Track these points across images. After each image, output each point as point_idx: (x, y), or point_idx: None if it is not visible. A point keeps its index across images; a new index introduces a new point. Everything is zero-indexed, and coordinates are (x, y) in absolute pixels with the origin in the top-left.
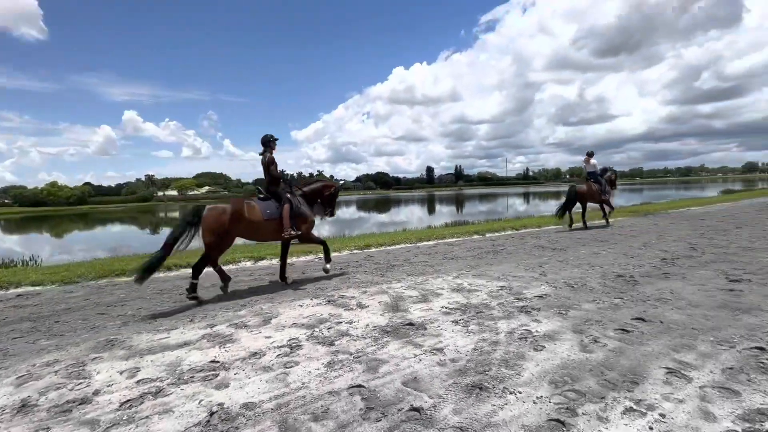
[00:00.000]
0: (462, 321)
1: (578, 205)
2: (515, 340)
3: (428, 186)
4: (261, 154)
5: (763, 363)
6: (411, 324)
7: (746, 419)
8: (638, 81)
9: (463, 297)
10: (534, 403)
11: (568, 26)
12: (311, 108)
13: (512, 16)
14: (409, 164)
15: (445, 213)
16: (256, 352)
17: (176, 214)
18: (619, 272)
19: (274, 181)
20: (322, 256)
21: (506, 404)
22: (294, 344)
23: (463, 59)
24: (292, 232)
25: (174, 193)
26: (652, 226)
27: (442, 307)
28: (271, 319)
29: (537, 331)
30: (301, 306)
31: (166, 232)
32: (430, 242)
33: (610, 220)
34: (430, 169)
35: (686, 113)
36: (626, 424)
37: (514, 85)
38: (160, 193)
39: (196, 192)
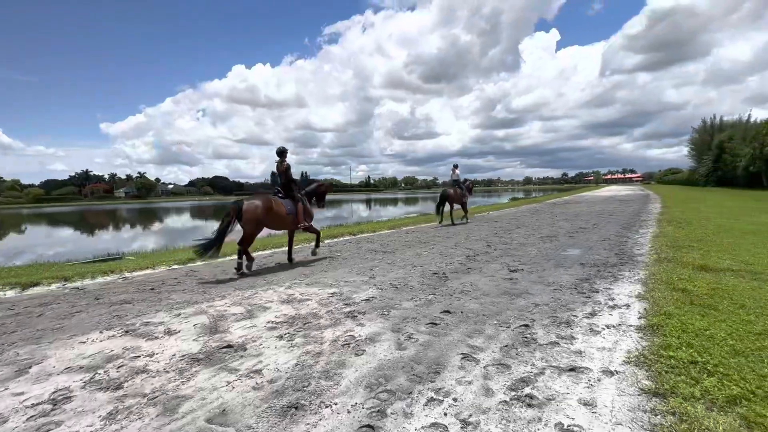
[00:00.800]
0: (287, 335)
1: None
2: (339, 348)
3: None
4: (278, 161)
5: (527, 338)
6: (229, 346)
7: (513, 389)
8: (455, 106)
9: (292, 308)
10: (348, 412)
11: (401, 51)
12: (129, 98)
13: (353, 32)
14: (252, 168)
15: None
16: None
17: None
18: (435, 270)
19: (288, 184)
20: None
21: (321, 420)
22: (61, 397)
23: (308, 66)
24: (305, 224)
25: None
26: (462, 228)
27: (268, 322)
28: (30, 367)
29: (360, 336)
30: (84, 342)
31: None
32: (266, 251)
33: (468, 217)
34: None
35: (487, 136)
36: (426, 415)
37: (356, 97)
38: None
39: None
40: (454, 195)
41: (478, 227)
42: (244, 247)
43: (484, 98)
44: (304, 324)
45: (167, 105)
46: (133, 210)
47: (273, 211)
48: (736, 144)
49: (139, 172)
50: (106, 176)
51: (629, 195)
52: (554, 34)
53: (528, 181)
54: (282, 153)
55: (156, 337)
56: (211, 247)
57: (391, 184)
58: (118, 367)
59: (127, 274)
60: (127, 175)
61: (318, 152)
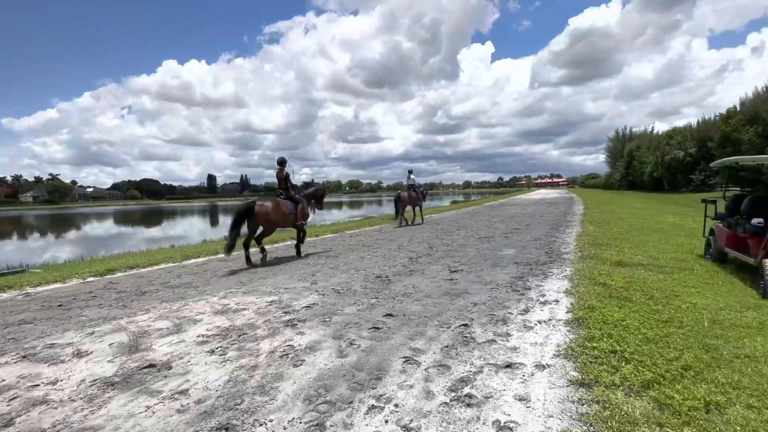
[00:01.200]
0: (219, 349)
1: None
2: (276, 360)
3: (210, 195)
4: (278, 170)
5: (466, 337)
6: (152, 365)
7: (453, 390)
8: (398, 111)
9: (226, 320)
10: (284, 429)
11: (344, 54)
12: (39, 91)
13: (295, 33)
14: (186, 171)
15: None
16: None
17: None
18: (378, 273)
19: (288, 188)
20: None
21: None
22: None
23: (247, 65)
24: (304, 223)
25: None
26: (406, 230)
27: (198, 336)
28: None
29: (299, 345)
30: None
31: None
32: (200, 259)
33: (424, 218)
34: (211, 177)
35: (429, 141)
36: (367, 424)
37: (299, 99)
38: None
39: None
40: (407, 198)
41: (420, 230)
42: (260, 239)
43: (425, 104)
44: (239, 336)
45: (85, 100)
46: (43, 216)
47: (280, 211)
48: (643, 152)
49: (50, 174)
50: (9, 178)
51: (556, 198)
52: (489, 47)
53: (467, 184)
54: (282, 162)
55: (62, 361)
56: (232, 245)
57: (335, 187)
58: (10, 400)
59: (30, 290)
60: (36, 177)
61: (259, 154)
